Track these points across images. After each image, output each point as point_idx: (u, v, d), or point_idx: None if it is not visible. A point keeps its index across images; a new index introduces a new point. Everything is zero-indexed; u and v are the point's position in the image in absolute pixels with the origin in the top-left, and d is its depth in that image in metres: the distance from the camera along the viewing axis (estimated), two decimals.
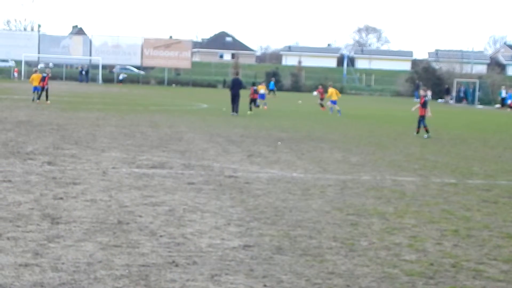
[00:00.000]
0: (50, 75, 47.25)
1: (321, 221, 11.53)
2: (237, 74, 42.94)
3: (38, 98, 43.74)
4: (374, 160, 20.66)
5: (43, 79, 44.94)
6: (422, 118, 30.82)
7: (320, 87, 55.90)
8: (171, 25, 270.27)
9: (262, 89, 49.92)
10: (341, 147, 24.27)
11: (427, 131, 30.47)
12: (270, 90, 79.70)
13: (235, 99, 40.90)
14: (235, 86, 41.23)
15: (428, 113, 31.02)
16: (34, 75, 45.73)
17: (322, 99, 52.60)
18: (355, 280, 8.22)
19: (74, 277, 7.79)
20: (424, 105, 31.04)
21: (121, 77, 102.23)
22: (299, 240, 10.09)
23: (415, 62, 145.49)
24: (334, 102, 46.50)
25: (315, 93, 59.59)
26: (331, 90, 47.21)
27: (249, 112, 42.39)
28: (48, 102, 43.35)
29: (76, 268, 8.14)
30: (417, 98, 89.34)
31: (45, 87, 44.56)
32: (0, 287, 7.34)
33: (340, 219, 11.83)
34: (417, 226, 11.55)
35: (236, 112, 40.44)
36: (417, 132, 30.95)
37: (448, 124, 41.54)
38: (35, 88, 44.80)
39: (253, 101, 45.07)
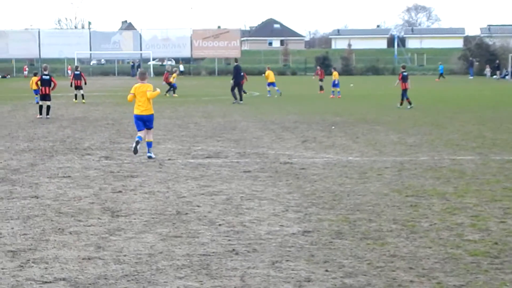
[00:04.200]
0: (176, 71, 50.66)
1: (380, 204, 11.44)
2: (236, 61, 42.39)
3: (174, 92, 47.40)
4: (431, 140, 20.45)
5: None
6: (404, 92, 34.28)
7: (318, 68, 55.27)
8: (219, 15, 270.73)
9: (336, 78, 46.25)
10: (396, 128, 24.08)
11: (409, 102, 34.04)
12: (440, 75, 79.80)
13: (239, 86, 40.07)
14: (239, 74, 40.54)
15: (408, 85, 34.54)
16: (174, 74, 49.08)
17: (321, 80, 52.07)
18: (418, 262, 8.13)
19: (136, 269, 7.85)
20: (403, 79, 34.42)
21: (181, 68, 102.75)
22: (359, 224, 10.03)
23: (467, 39, 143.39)
24: (273, 85, 47.58)
25: (351, 84, 58.17)
26: (268, 72, 48.11)
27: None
28: (167, 95, 46.63)
29: (138, 260, 8.20)
30: (471, 75, 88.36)
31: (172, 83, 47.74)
32: (65, 280, 7.43)
33: (399, 201, 11.72)
34: (479, 205, 11.39)
35: (241, 99, 39.62)
36: (401, 104, 34.33)
37: (505, 101, 40.96)
38: (173, 85, 48.03)
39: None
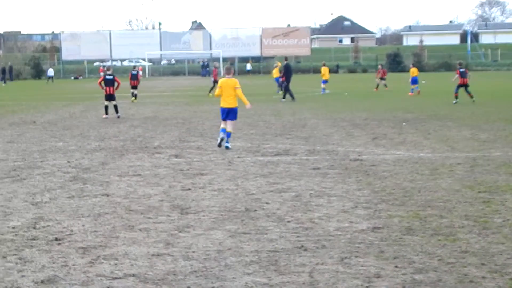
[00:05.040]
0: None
1: (451, 200, 11.26)
2: (286, 59, 42.54)
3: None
4: (504, 136, 20.05)
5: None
6: (460, 86, 34.94)
7: (380, 66, 53.66)
8: (289, 13, 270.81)
9: (415, 73, 45.64)
10: (469, 124, 23.70)
11: (456, 97, 34.81)
12: None
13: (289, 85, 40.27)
14: (289, 72, 40.54)
15: (456, 80, 35.47)
16: (274, 69, 49.84)
17: (382, 78, 50.69)
18: (490, 258, 7.97)
19: (205, 265, 7.86)
20: (462, 75, 35.05)
21: (249, 67, 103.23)
22: (430, 220, 9.88)
23: None
24: (325, 82, 47.97)
25: (423, 81, 56.18)
26: (324, 69, 48.53)
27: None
28: (210, 94, 46.72)
29: (207, 256, 8.22)
30: None
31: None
32: (134, 276, 7.49)
33: (471, 197, 11.51)
34: None
35: (284, 97, 39.76)
36: (471, 97, 34.73)
37: None
38: (276, 79, 48.45)
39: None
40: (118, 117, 28.67)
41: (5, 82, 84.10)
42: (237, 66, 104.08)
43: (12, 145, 19.86)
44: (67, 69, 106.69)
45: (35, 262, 8.08)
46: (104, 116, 29.15)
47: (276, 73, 48.20)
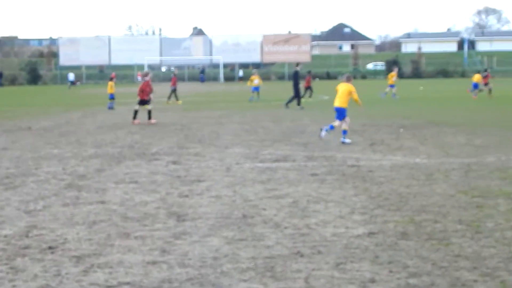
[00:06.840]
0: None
1: (446, 205, 11.32)
2: (297, 65, 41.93)
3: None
4: (498, 142, 20.12)
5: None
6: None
7: (488, 70, 54.68)
8: (289, 20, 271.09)
9: (475, 79, 48.16)
10: (465, 130, 23.78)
11: None
12: None
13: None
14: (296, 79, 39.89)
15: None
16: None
17: (486, 84, 50.73)
18: (482, 261, 8.03)
19: (201, 272, 7.90)
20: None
21: (241, 73, 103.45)
22: (424, 225, 9.94)
23: None
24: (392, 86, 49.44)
25: (420, 87, 56.84)
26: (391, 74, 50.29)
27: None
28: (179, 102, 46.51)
29: (203, 263, 8.24)
30: None
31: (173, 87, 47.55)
32: (129, 285, 7.51)
33: (465, 202, 11.57)
34: None
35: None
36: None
37: None
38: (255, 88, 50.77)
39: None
40: (133, 123, 29.14)
41: None
42: (237, 73, 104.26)
43: (6, 152, 19.82)
44: (65, 75, 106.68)
45: (27, 271, 8.05)
46: (135, 121, 29.39)
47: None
